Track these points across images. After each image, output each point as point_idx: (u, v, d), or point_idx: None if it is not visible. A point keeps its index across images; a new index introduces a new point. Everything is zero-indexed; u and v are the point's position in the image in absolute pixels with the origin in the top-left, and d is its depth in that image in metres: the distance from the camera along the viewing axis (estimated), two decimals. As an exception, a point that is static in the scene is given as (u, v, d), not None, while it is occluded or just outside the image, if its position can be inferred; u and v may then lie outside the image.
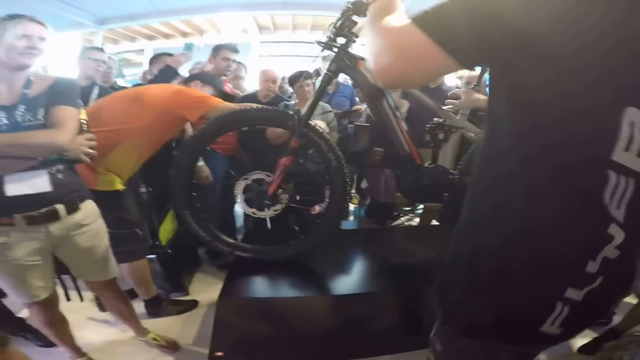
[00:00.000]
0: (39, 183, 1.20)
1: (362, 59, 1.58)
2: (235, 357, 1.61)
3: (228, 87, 2.65)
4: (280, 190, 1.60)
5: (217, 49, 2.55)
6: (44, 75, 1.31)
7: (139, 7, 6.94)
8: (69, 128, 1.21)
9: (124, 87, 2.90)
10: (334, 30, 1.52)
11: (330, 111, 2.37)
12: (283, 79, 4.99)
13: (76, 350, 1.56)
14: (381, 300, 1.62)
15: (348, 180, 1.62)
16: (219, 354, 1.61)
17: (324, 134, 1.55)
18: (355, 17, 1.47)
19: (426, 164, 1.69)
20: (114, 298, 1.61)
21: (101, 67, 2.38)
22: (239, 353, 1.61)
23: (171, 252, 2.12)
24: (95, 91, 2.26)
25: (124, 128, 1.59)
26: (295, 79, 2.49)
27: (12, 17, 1.20)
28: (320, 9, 7.88)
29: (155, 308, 1.98)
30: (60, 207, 1.26)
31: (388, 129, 1.57)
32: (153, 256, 2.01)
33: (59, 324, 1.48)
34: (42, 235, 1.26)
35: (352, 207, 3.23)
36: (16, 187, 1.16)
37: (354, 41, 1.58)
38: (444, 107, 1.66)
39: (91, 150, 1.30)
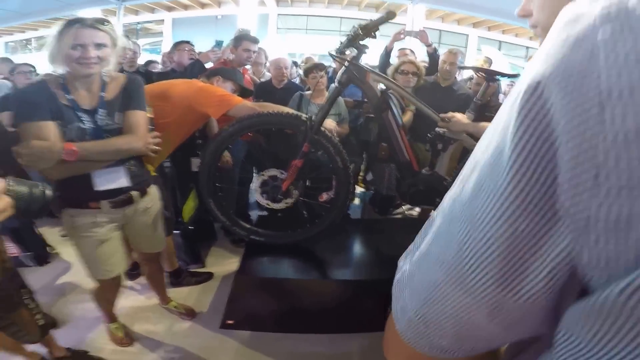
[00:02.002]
0: (119, 179, 1.40)
1: (372, 71, 1.71)
2: (243, 326, 1.87)
3: (247, 76, 2.81)
4: (292, 187, 1.79)
5: (238, 40, 2.66)
6: (115, 75, 1.41)
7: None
8: (141, 132, 1.37)
9: (149, 72, 3.07)
10: (345, 43, 1.64)
11: (339, 114, 2.51)
12: (294, 63, 5.07)
13: (112, 316, 1.81)
14: (373, 287, 1.83)
15: (352, 181, 1.80)
16: (230, 322, 1.87)
17: (332, 139, 1.72)
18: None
19: (424, 170, 1.85)
20: (155, 268, 1.86)
21: (128, 54, 2.55)
22: (246, 323, 1.87)
23: (192, 228, 2.36)
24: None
25: (155, 123, 1.76)
26: (309, 71, 2.62)
27: (69, 24, 1.23)
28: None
29: (177, 279, 2.25)
30: (135, 194, 1.46)
31: (391, 137, 1.73)
32: (177, 231, 2.26)
33: (112, 302, 1.73)
34: (120, 216, 1.47)
35: (359, 190, 3.39)
36: (102, 183, 1.36)
37: (365, 52, 1.70)
38: (438, 129, 1.75)
39: (156, 147, 1.46)
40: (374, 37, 1.58)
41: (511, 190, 0.25)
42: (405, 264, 0.37)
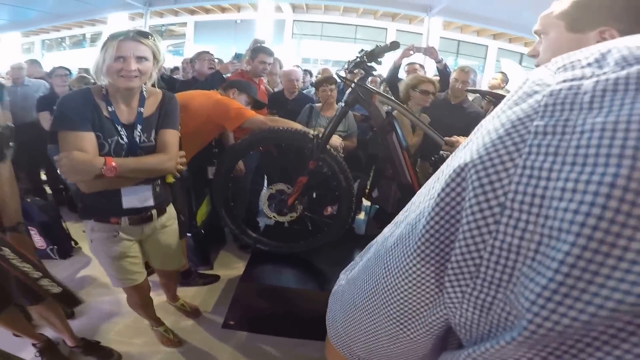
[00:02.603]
0: (145, 198, 1.41)
1: (378, 93, 1.79)
2: (242, 327, 1.98)
3: (263, 86, 2.93)
4: (297, 202, 1.90)
5: (255, 52, 2.75)
6: (154, 91, 1.41)
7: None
8: (173, 152, 1.37)
9: (172, 78, 3.22)
10: (351, 65, 1.72)
11: (345, 130, 2.58)
12: (306, 72, 5.15)
13: (156, 320, 1.86)
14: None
15: (354, 198, 1.89)
16: (231, 322, 1.99)
17: (337, 157, 1.81)
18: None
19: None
20: (170, 278, 1.92)
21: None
22: (246, 324, 1.99)
23: (204, 231, 2.46)
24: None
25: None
26: (319, 84, 2.68)
27: (113, 36, 1.22)
28: (349, 0, 7.91)
29: (186, 279, 2.36)
30: (154, 212, 1.47)
31: (394, 159, 1.81)
32: (189, 234, 2.35)
33: (148, 305, 1.76)
34: (138, 232, 1.48)
35: (365, 203, 3.43)
36: (130, 201, 1.37)
37: (372, 74, 1.78)
38: (442, 152, 1.76)
39: (181, 167, 1.46)
40: (379, 63, 1.66)
41: (415, 257, 0.30)
42: (343, 279, 0.44)
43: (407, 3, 8.09)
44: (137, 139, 1.32)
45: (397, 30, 11.35)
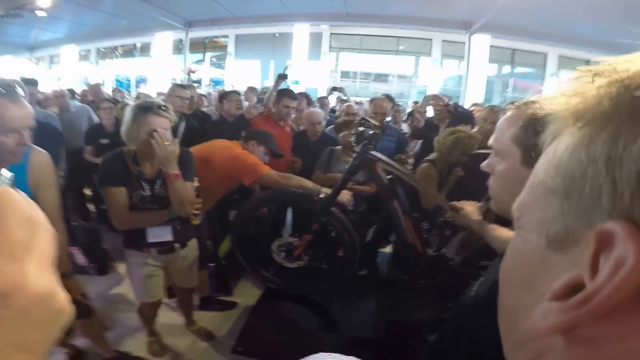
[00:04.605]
0: (166, 235, 1.78)
1: (380, 160, 1.89)
2: (251, 354, 2.13)
3: (288, 128, 3.13)
4: (302, 254, 2.09)
5: (280, 96, 2.95)
6: None
7: (220, 14, 7.93)
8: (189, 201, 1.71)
9: (205, 114, 3.50)
10: (356, 136, 1.87)
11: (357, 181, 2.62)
12: (340, 89, 5.19)
13: (152, 331, 2.14)
14: (371, 345, 2.03)
15: (356, 251, 2.04)
16: (240, 349, 2.16)
17: (341, 218, 1.97)
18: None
19: (430, 252, 1.98)
20: (186, 298, 2.23)
21: (186, 103, 2.97)
22: (254, 352, 2.15)
23: (226, 262, 2.73)
24: (183, 124, 2.83)
25: (199, 186, 2.04)
26: (340, 128, 2.76)
27: (141, 111, 1.58)
28: (385, 22, 7.77)
29: (205, 304, 2.60)
30: (177, 245, 1.84)
31: (396, 223, 1.92)
32: (212, 264, 2.63)
33: (152, 318, 2.09)
34: (163, 260, 1.86)
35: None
36: (153, 237, 1.75)
37: (374, 143, 1.90)
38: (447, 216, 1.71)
39: (197, 212, 1.79)
40: (374, 145, 1.81)
41: None
42: None
43: (443, 21, 7.71)
44: (157, 192, 1.69)
45: (442, 40, 10.65)
